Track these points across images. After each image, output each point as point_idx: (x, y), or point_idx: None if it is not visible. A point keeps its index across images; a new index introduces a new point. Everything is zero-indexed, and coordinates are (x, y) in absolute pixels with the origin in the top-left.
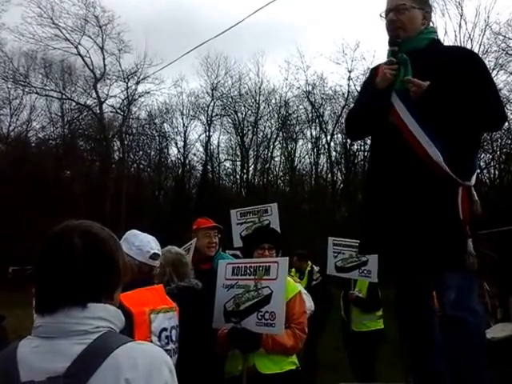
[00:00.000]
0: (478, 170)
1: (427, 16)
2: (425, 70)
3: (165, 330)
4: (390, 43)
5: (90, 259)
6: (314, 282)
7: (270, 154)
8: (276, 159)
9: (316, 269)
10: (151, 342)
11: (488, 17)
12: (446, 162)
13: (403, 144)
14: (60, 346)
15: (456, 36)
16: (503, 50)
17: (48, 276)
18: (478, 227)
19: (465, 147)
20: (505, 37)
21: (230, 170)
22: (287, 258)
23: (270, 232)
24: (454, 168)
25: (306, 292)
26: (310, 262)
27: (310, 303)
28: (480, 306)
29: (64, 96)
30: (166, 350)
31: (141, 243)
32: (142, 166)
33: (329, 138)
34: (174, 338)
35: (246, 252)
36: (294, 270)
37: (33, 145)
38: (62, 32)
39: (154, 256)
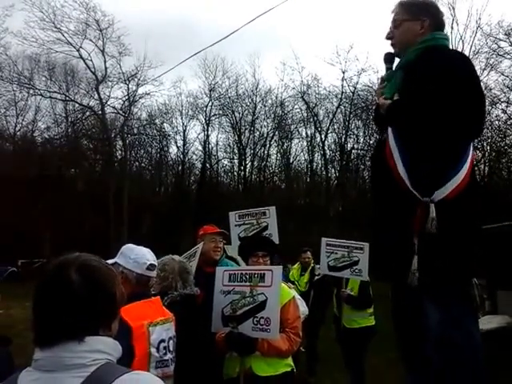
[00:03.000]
0: (452, 184)
1: (425, 24)
2: (413, 83)
3: (163, 341)
4: (384, 60)
5: (87, 294)
6: (317, 277)
7: (266, 152)
8: (272, 157)
9: (317, 266)
10: (150, 353)
11: (479, 18)
12: (409, 176)
13: (385, 160)
14: (58, 380)
15: None
16: (494, 51)
17: (45, 310)
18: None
19: (426, 161)
20: (495, 38)
21: (227, 167)
22: (281, 266)
23: (264, 240)
24: (413, 183)
25: (299, 297)
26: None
27: (303, 308)
28: (472, 321)
29: (67, 98)
30: (164, 360)
31: (137, 256)
32: (143, 164)
33: (323, 136)
34: (171, 349)
35: (243, 258)
36: (298, 264)
37: (38, 144)
38: (64, 36)
39: (151, 267)
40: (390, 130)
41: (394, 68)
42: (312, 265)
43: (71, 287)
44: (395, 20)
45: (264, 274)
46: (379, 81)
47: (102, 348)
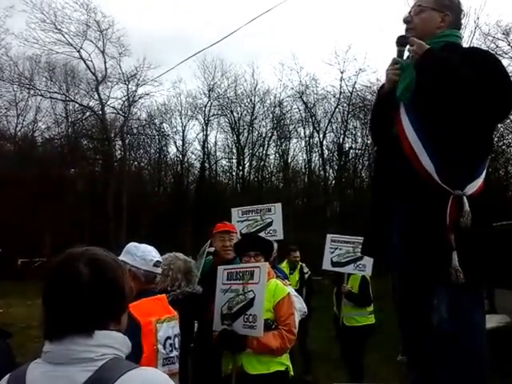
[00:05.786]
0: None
1: (447, 19)
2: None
3: (169, 338)
4: (397, 42)
5: (96, 287)
6: (307, 275)
7: (264, 152)
8: (270, 157)
9: (304, 264)
10: (157, 350)
11: (478, 18)
12: (437, 170)
13: (402, 153)
14: (67, 373)
15: None
16: (492, 51)
17: (54, 304)
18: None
19: (458, 152)
20: (494, 37)
21: (226, 167)
22: (267, 263)
23: (256, 240)
24: (443, 176)
25: (296, 294)
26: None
27: (301, 304)
28: (480, 318)
29: (68, 98)
30: (170, 358)
31: (143, 253)
32: (142, 164)
33: (321, 136)
34: (176, 346)
35: (238, 257)
36: (286, 263)
37: (38, 144)
38: (64, 37)
39: (157, 263)
40: (405, 122)
41: (406, 51)
42: (300, 263)
43: (80, 280)
44: (419, 5)
45: (253, 271)
46: (391, 63)
47: (111, 343)
